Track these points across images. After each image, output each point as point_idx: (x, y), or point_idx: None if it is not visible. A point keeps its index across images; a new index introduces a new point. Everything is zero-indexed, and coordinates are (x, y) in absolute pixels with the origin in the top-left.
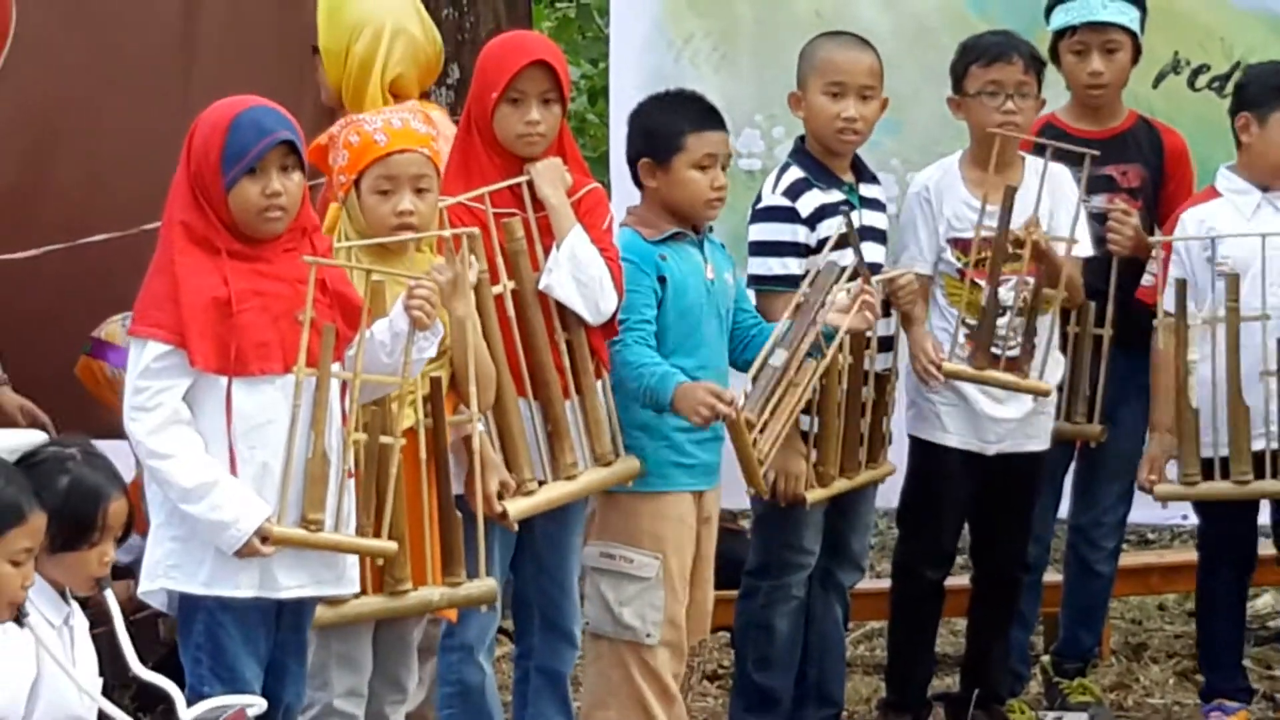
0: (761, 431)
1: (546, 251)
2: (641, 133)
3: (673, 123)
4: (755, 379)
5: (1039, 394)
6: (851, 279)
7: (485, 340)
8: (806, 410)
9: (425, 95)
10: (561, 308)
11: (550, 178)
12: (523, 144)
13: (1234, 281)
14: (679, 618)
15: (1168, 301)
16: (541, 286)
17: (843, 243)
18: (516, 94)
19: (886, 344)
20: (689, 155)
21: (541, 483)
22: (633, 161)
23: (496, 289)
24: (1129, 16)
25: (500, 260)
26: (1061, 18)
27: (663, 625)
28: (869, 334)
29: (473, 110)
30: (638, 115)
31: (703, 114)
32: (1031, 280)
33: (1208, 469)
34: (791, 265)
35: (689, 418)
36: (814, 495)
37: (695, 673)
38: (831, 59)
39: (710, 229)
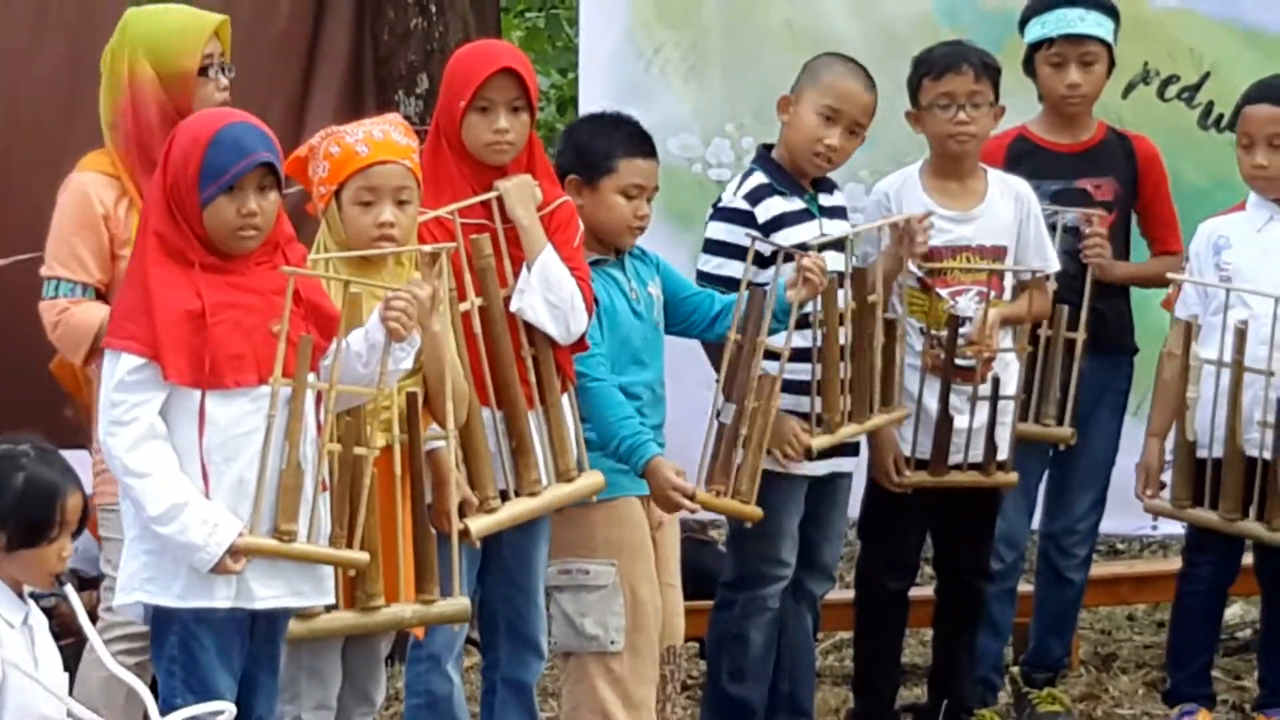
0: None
1: (514, 264)
2: (573, 149)
3: (606, 144)
4: (712, 440)
5: (1005, 487)
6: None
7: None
8: (807, 358)
9: None
10: (528, 324)
11: (521, 196)
12: (492, 152)
13: (1241, 335)
14: (646, 622)
15: (1180, 309)
16: (514, 309)
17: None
18: (485, 102)
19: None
20: (617, 179)
21: (504, 492)
22: (561, 177)
23: (464, 306)
24: (1105, 29)
25: (468, 277)
26: (1038, 30)
27: (626, 631)
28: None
29: (441, 120)
30: (572, 132)
31: (637, 140)
32: (991, 292)
33: (1200, 472)
34: (736, 269)
35: (655, 502)
36: (819, 442)
37: (670, 681)
38: (837, 84)
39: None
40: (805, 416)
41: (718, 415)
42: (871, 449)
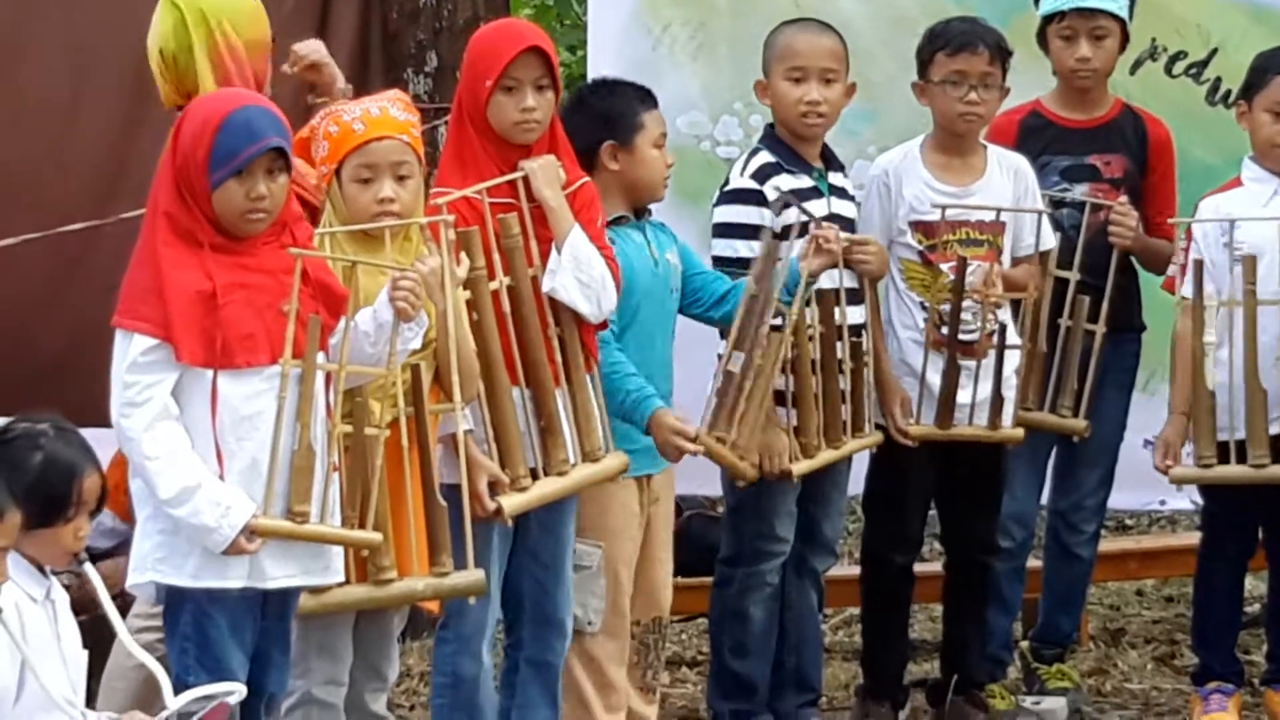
0: (738, 424)
1: (540, 244)
2: (599, 118)
3: (625, 104)
4: (718, 387)
5: (1011, 443)
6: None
7: (483, 336)
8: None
9: None
10: (554, 303)
11: (546, 177)
12: (519, 131)
13: (1251, 263)
14: (623, 605)
15: (1186, 288)
16: (546, 290)
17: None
18: (511, 82)
19: (855, 297)
20: (649, 134)
21: (533, 470)
22: (589, 149)
23: (493, 285)
24: (1118, 3)
25: (496, 256)
26: (1051, 2)
27: (605, 613)
28: (835, 291)
29: (464, 100)
30: (584, 103)
31: (645, 93)
32: (989, 265)
33: (1222, 453)
34: (756, 248)
35: (660, 451)
36: (799, 467)
37: (652, 650)
38: (791, 44)
39: (650, 211)
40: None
41: (726, 365)
42: (879, 395)
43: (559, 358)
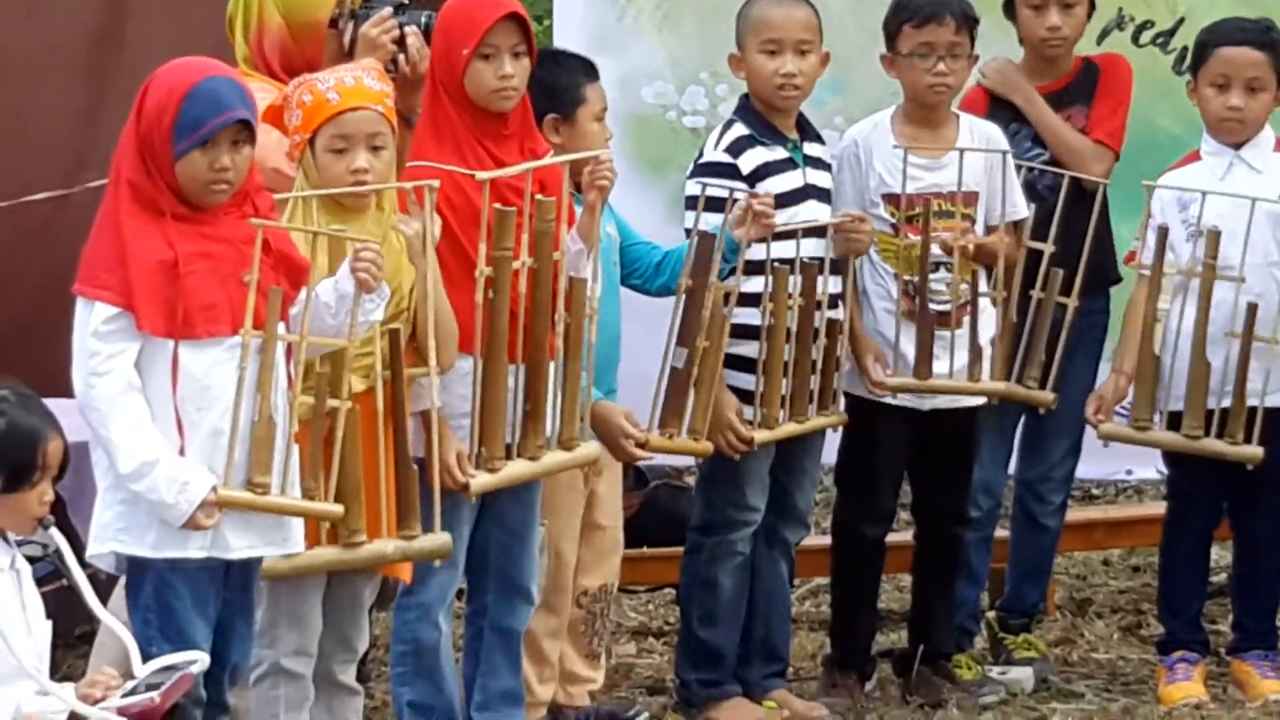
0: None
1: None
2: (543, 90)
3: (569, 77)
4: (664, 381)
5: (992, 396)
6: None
7: (495, 314)
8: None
9: None
10: (567, 292)
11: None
12: (497, 99)
13: (1214, 238)
14: (565, 582)
15: (1147, 256)
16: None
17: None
18: (489, 49)
19: (834, 302)
20: (590, 107)
21: (509, 446)
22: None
23: (516, 264)
24: None
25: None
26: None
27: (544, 589)
28: (820, 263)
29: (438, 70)
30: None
31: (588, 65)
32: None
33: (1173, 423)
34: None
35: (608, 449)
36: (761, 437)
37: (599, 618)
38: (765, 17)
39: None
40: (744, 395)
41: (669, 360)
42: (853, 352)
43: (560, 342)
